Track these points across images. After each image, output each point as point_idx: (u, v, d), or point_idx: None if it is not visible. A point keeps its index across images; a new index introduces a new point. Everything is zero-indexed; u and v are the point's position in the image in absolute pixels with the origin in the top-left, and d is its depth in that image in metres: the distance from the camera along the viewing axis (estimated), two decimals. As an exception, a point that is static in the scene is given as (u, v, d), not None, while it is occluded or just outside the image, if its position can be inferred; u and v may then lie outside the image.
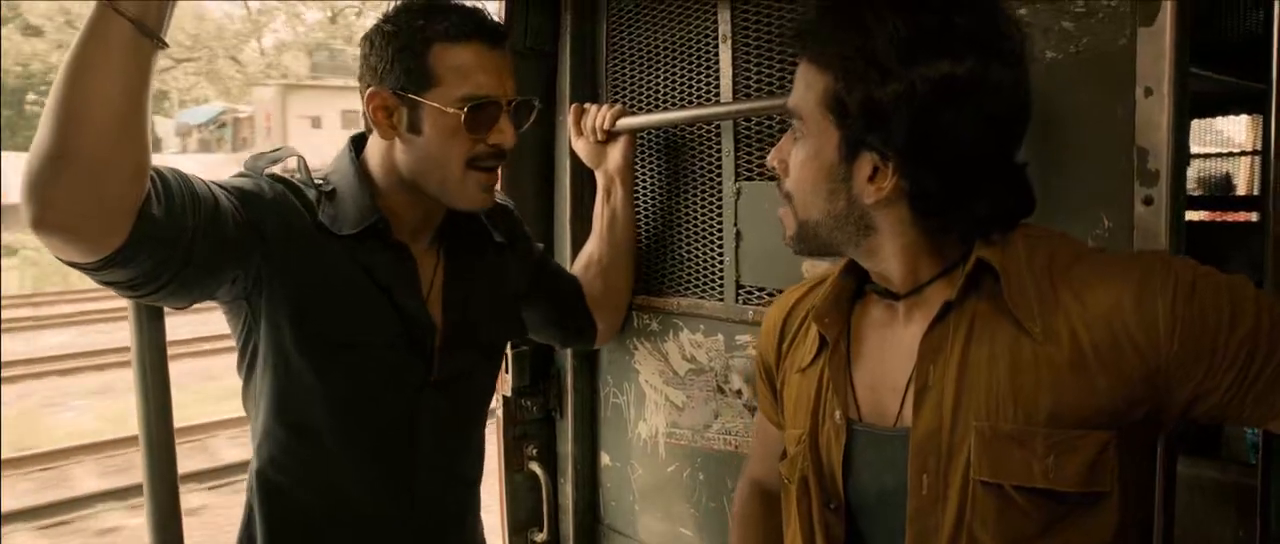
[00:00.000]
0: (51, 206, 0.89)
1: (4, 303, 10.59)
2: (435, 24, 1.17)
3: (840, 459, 0.94)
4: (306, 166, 1.26)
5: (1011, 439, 0.82)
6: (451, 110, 1.17)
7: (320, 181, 1.24)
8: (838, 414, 0.94)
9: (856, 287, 0.98)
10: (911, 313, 0.91)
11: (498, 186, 1.30)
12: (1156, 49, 0.97)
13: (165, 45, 0.93)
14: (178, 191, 1.03)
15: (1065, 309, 0.82)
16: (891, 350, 0.93)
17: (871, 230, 0.88)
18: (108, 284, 1.03)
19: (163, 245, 1.00)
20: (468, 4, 1.22)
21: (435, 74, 1.17)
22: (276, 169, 1.24)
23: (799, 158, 0.89)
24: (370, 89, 1.20)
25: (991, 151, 0.83)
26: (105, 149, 0.89)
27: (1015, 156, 0.87)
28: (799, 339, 1.05)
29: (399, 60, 1.17)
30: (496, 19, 1.24)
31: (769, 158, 0.95)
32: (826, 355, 0.97)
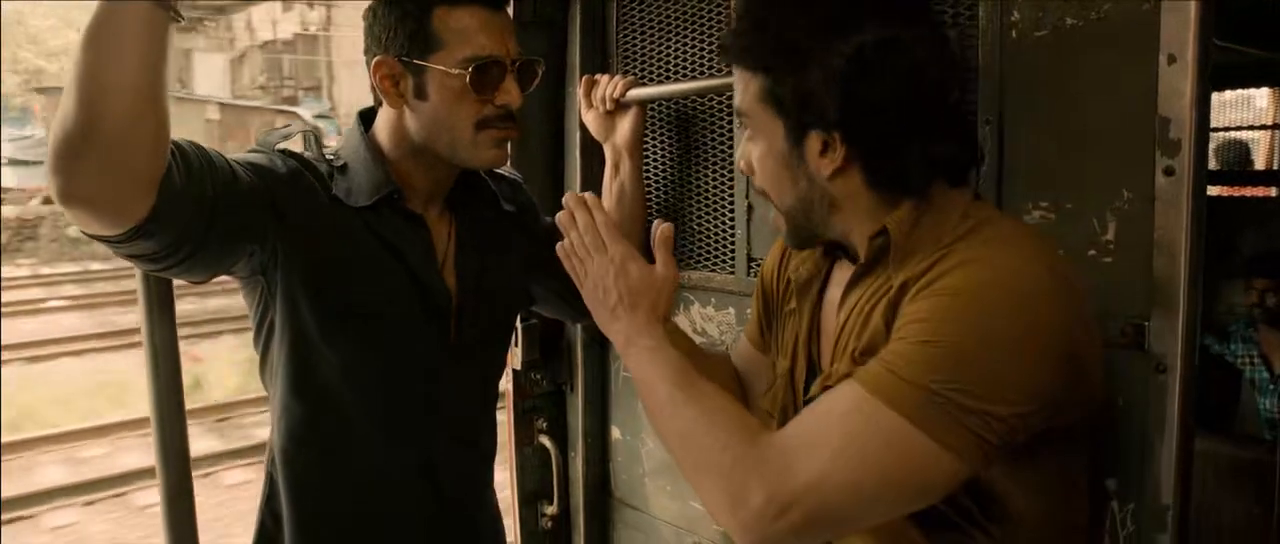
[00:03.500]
0: (76, 179, 0.90)
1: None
2: None
3: (803, 397, 1.02)
4: (317, 142, 1.27)
5: (845, 358, 0.92)
6: (455, 72, 1.18)
7: (331, 156, 1.26)
8: (803, 357, 1.03)
9: (829, 252, 1.06)
10: None
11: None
12: (1181, 15, 0.94)
13: (181, 17, 0.93)
14: (197, 163, 1.04)
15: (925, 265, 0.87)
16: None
17: (836, 206, 0.94)
18: (131, 257, 1.04)
19: (184, 216, 1.01)
20: None
21: (438, 37, 1.17)
22: (288, 145, 1.25)
23: (757, 155, 0.96)
24: (376, 58, 1.20)
25: (922, 105, 0.87)
26: (127, 122, 0.89)
27: (949, 107, 0.92)
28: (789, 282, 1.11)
29: (401, 27, 1.18)
30: None
31: (737, 162, 1.02)
32: (799, 303, 1.06)
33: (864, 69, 0.84)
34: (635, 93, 1.54)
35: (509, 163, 1.72)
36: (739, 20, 0.95)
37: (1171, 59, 0.95)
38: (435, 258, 1.28)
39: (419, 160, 1.25)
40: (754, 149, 0.96)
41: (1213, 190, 3.70)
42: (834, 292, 1.02)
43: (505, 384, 1.82)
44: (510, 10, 1.67)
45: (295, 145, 1.26)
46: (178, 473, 1.30)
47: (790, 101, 0.89)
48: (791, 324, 1.08)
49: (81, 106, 0.88)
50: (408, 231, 1.25)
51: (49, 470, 5.47)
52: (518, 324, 1.76)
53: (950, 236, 0.88)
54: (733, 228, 1.55)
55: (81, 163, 0.89)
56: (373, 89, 1.24)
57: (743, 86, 0.94)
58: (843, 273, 1.01)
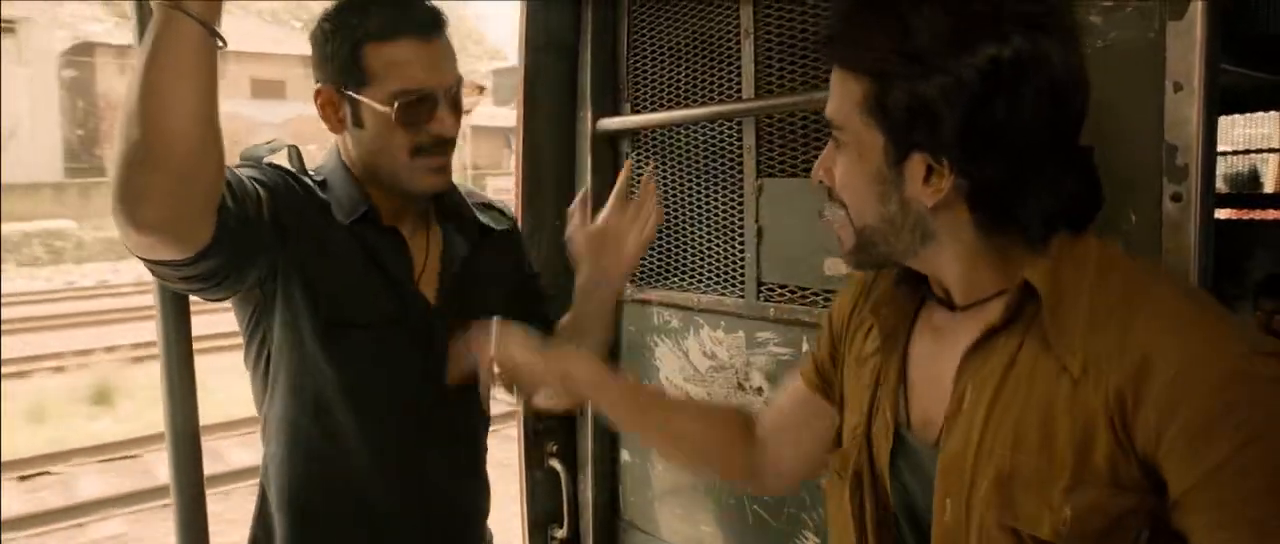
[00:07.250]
0: (148, 208, 0.92)
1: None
2: (367, 22, 1.18)
3: (887, 461, 0.90)
4: (300, 157, 1.30)
5: (1030, 483, 0.76)
6: (382, 108, 1.19)
7: (314, 172, 1.29)
8: (888, 413, 0.90)
9: (917, 290, 0.92)
10: (966, 327, 0.84)
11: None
12: (1186, 43, 0.95)
13: (225, 42, 0.94)
14: (237, 185, 1.08)
15: (1117, 351, 0.73)
16: (943, 362, 0.86)
17: (930, 238, 0.82)
18: (188, 280, 1.06)
19: (238, 236, 1.05)
20: None
21: (368, 71, 1.19)
22: (274, 159, 1.28)
23: (844, 166, 0.84)
24: (316, 85, 1.24)
25: (1053, 134, 0.77)
26: (192, 149, 0.91)
27: (1077, 139, 0.80)
28: (867, 324, 0.99)
29: (335, 58, 1.20)
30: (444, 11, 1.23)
31: (814, 173, 0.89)
32: (885, 350, 0.92)
33: (997, 88, 0.73)
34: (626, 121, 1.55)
35: (518, 190, 1.74)
36: (849, 12, 0.81)
37: (1177, 87, 0.96)
38: (412, 269, 1.31)
39: (373, 182, 1.28)
40: (841, 160, 0.84)
41: (1222, 214, 3.69)
42: (924, 342, 0.90)
43: (515, 407, 1.83)
44: (524, 31, 1.69)
45: (280, 160, 1.28)
46: (192, 488, 1.30)
47: (898, 114, 0.76)
48: (866, 373, 0.94)
49: (147, 137, 0.89)
50: (385, 244, 1.28)
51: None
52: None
53: (1111, 298, 0.75)
54: (742, 251, 1.56)
55: (153, 192, 0.92)
56: None
57: (841, 90, 0.81)
58: (934, 318, 0.90)
